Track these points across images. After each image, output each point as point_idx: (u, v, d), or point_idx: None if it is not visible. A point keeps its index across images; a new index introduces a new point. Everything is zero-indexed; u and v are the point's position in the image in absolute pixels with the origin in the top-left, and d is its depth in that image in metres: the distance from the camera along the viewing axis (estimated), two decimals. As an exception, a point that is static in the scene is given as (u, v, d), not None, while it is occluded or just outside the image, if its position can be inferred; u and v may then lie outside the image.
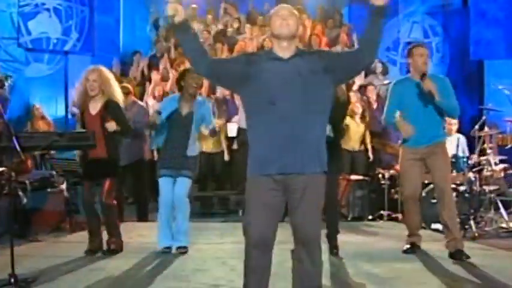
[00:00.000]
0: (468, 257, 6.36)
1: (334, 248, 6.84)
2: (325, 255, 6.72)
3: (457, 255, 6.41)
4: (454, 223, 6.60)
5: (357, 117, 10.71)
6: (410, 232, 7.01)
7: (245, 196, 4.10)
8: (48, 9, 13.12)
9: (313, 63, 3.93)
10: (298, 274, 4.15)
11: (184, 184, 7.06)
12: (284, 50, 3.96)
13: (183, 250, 7.08)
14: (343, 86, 6.97)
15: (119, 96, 7.04)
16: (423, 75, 6.51)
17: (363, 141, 10.91)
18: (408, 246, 6.94)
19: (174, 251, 7.10)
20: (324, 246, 6.95)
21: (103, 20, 14.58)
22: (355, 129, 10.66)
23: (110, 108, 6.83)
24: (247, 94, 4.00)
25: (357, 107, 10.69)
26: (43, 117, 11.84)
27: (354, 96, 11.10)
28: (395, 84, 7.03)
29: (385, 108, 6.94)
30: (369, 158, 11.01)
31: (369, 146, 11.01)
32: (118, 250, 7.05)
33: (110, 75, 7.05)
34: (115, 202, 7.09)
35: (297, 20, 4.01)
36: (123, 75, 13.58)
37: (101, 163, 6.83)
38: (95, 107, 6.87)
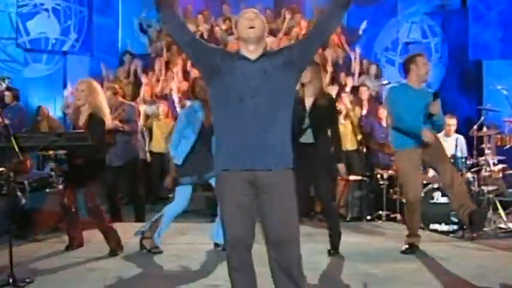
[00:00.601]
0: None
1: (333, 249, 6.87)
2: (323, 256, 6.78)
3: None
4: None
5: (341, 118, 10.75)
6: (410, 232, 7.02)
7: (216, 195, 4.15)
8: (46, 10, 13.15)
9: (276, 60, 4.00)
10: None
11: None
12: (252, 53, 4.03)
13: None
14: (326, 91, 7.05)
15: (105, 110, 7.04)
16: (436, 95, 6.67)
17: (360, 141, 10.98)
18: (407, 246, 6.94)
19: None
20: (320, 246, 7.02)
21: (102, 20, 14.60)
22: (343, 130, 10.73)
23: (92, 121, 6.83)
24: (216, 88, 4.03)
25: (342, 107, 10.81)
26: (49, 117, 11.90)
27: (346, 97, 11.18)
28: (396, 89, 7.09)
29: (395, 113, 6.94)
30: (362, 155, 11.08)
31: (358, 140, 11.13)
32: (116, 251, 7.07)
33: (98, 89, 7.07)
34: (99, 206, 7.09)
35: (263, 23, 4.08)
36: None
37: (81, 168, 6.85)
38: (81, 118, 6.94)
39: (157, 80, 12.90)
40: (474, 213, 6.61)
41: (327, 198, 6.93)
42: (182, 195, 7.11)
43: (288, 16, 15.01)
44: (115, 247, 7.07)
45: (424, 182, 8.33)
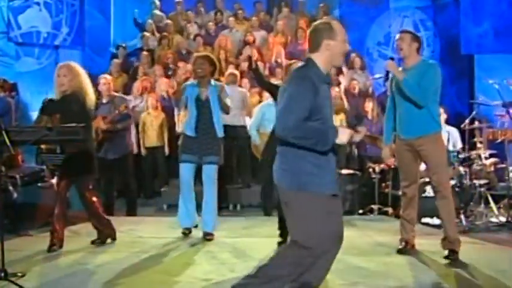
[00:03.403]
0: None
1: None
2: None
3: (448, 256, 6.25)
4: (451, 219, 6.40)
5: None
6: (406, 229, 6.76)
7: (306, 209, 4.06)
8: (38, 3, 13.08)
9: None
10: None
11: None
12: None
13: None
14: None
15: (88, 90, 6.96)
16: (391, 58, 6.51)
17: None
18: (403, 244, 6.70)
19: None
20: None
21: (94, 14, 14.55)
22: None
23: (66, 99, 6.75)
24: None
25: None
26: None
27: (336, 93, 11.25)
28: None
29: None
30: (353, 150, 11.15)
31: None
32: (112, 237, 7.22)
33: (81, 71, 6.98)
34: (94, 197, 7.11)
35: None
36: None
37: (75, 158, 6.80)
38: None
39: (145, 74, 12.86)
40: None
41: None
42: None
43: (274, 9, 15.10)
44: (109, 233, 7.18)
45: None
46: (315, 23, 4.30)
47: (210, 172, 7.54)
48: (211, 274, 5.70)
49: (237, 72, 11.67)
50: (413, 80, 6.20)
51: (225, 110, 7.60)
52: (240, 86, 11.57)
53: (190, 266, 6.11)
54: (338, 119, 11.01)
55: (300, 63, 7.13)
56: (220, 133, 7.57)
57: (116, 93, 9.60)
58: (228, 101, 7.62)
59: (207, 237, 7.48)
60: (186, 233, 7.73)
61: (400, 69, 6.40)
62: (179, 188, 7.71)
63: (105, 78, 9.42)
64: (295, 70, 4.19)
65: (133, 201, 9.88)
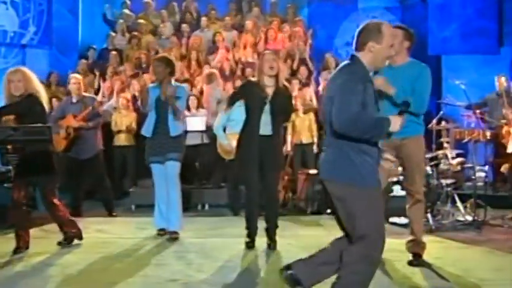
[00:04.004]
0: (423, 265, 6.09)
1: (272, 242, 6.95)
2: (281, 249, 6.81)
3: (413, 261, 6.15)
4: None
5: (300, 112, 10.85)
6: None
7: (367, 202, 4.08)
8: (5, 2, 12.98)
9: None
10: None
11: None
12: None
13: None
14: (282, 84, 7.04)
15: (42, 93, 6.90)
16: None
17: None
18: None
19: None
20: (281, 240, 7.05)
21: (61, 13, 14.43)
22: (300, 123, 10.86)
23: (29, 99, 6.66)
24: None
25: (299, 101, 10.91)
26: None
27: (306, 92, 11.28)
28: None
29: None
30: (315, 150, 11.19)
31: (315, 139, 11.23)
32: (78, 237, 7.18)
33: (33, 75, 6.90)
34: (57, 200, 7.04)
35: None
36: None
37: (33, 159, 6.72)
38: None
39: (114, 75, 12.80)
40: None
41: (275, 189, 7.12)
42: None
43: (245, 9, 15.12)
44: (76, 234, 7.15)
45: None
46: (367, 22, 4.33)
47: (171, 170, 7.52)
48: (179, 274, 5.69)
49: (215, 71, 11.71)
50: (403, 81, 5.99)
51: (175, 114, 7.54)
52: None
53: (157, 266, 6.09)
54: (307, 119, 11.05)
55: (271, 53, 7.22)
56: (174, 132, 7.55)
57: (85, 94, 9.57)
58: (179, 105, 7.56)
59: (172, 235, 7.48)
60: (161, 233, 7.70)
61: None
62: (148, 188, 7.71)
63: (75, 78, 9.48)
64: (344, 66, 4.21)
65: (110, 200, 9.88)
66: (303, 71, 12.86)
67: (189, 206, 10.53)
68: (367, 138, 4.00)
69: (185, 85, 8.67)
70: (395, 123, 4.06)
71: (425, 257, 6.17)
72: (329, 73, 12.97)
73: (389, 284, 5.41)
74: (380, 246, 4.12)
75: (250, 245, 6.94)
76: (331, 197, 4.21)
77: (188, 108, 11.21)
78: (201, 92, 12.28)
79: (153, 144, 7.56)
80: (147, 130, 7.63)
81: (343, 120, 3.93)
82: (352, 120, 3.90)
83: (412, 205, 6.23)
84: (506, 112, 9.95)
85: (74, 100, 9.29)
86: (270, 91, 6.80)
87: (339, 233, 6.32)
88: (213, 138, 10.78)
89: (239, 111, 7.24)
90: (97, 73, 13.01)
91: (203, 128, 11.01)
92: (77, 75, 9.85)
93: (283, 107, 6.87)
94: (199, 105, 11.44)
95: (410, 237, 6.26)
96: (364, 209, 4.04)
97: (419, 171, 6.29)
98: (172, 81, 7.64)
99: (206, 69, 12.57)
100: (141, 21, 15.05)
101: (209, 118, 10.99)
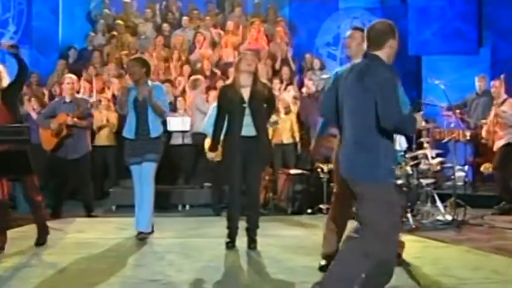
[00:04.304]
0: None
1: (253, 243, 6.96)
2: (262, 248, 6.81)
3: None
4: None
5: (282, 113, 10.87)
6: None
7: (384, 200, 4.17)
8: (-16, 2, 12.87)
9: None
10: None
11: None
12: None
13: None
14: (264, 83, 7.13)
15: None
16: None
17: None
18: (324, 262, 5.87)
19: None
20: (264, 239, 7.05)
21: (41, 13, 14.33)
22: (282, 123, 10.86)
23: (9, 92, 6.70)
24: None
25: (282, 102, 10.91)
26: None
27: (287, 92, 11.29)
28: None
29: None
30: (304, 149, 11.19)
31: (297, 139, 11.29)
32: (44, 243, 7.09)
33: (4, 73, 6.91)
34: (41, 198, 7.05)
35: None
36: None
37: (12, 158, 6.67)
38: None
39: (96, 75, 12.74)
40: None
41: (257, 190, 7.16)
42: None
43: (228, 9, 15.14)
44: (44, 239, 7.09)
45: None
46: (377, 22, 4.53)
47: (147, 170, 7.44)
48: (159, 275, 5.67)
49: (200, 77, 11.68)
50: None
51: (158, 112, 7.48)
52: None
53: (137, 267, 6.07)
54: (288, 119, 11.06)
55: (250, 53, 7.25)
56: (154, 133, 7.51)
57: (77, 95, 9.61)
58: (161, 103, 7.49)
59: (140, 236, 7.39)
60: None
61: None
62: (129, 188, 7.68)
63: (70, 78, 9.55)
64: (371, 66, 4.31)
65: (91, 201, 9.84)
66: (285, 71, 12.89)
67: (169, 206, 10.53)
68: (406, 133, 4.19)
69: (161, 84, 8.45)
70: (420, 120, 4.31)
71: (405, 256, 6.19)
72: (313, 73, 13.02)
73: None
74: (392, 248, 4.27)
75: (230, 245, 6.94)
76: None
77: (175, 109, 11.25)
78: (184, 91, 12.28)
79: (133, 145, 7.49)
80: (129, 132, 7.54)
81: (390, 117, 4.05)
82: (403, 117, 4.09)
83: None
84: (496, 111, 9.82)
85: (67, 100, 9.32)
86: (247, 91, 6.83)
87: (321, 233, 6.35)
88: (196, 139, 10.79)
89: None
90: (85, 73, 12.98)
91: (185, 128, 10.98)
92: (71, 75, 9.90)
93: (262, 104, 6.96)
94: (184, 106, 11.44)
95: None
96: (387, 206, 4.14)
97: None
98: (149, 82, 7.58)
99: (187, 69, 12.59)
100: (120, 21, 14.93)
101: (193, 123, 10.93)
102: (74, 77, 9.79)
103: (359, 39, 6.00)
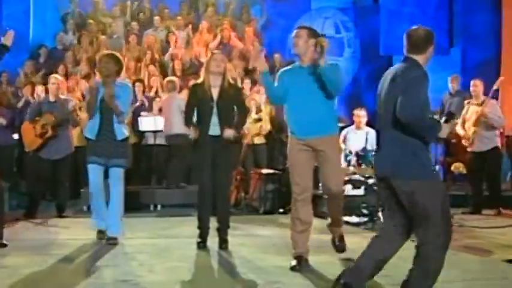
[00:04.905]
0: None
1: (224, 242, 6.97)
2: (233, 248, 6.80)
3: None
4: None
5: (253, 113, 10.84)
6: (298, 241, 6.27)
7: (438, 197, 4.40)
8: (-46, 2, 12.73)
9: None
10: None
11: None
12: None
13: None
14: (233, 84, 7.25)
15: None
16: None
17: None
18: (295, 262, 6.03)
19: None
20: (235, 239, 7.04)
21: (11, 10, 14.21)
22: (254, 124, 10.87)
23: None
24: None
25: (252, 102, 10.91)
26: None
27: (258, 93, 11.29)
28: None
29: None
30: (276, 149, 11.22)
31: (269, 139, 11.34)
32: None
33: None
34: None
35: None
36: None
37: None
38: None
39: (66, 74, 12.65)
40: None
41: (227, 189, 7.23)
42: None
43: (201, 8, 15.11)
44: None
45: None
46: (420, 28, 4.71)
47: (116, 175, 7.28)
48: (130, 275, 5.63)
49: (175, 79, 11.62)
50: (311, 78, 5.95)
51: (116, 114, 7.18)
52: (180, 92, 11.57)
53: (108, 267, 6.02)
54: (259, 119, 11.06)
55: (219, 53, 7.29)
56: (119, 136, 7.28)
57: (62, 96, 9.53)
58: (119, 102, 7.15)
59: (110, 241, 7.20)
60: (102, 231, 7.45)
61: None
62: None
63: (55, 78, 9.54)
64: (407, 67, 4.47)
65: (65, 202, 9.80)
66: (257, 71, 12.85)
67: (141, 206, 10.48)
68: (426, 138, 4.37)
69: (129, 84, 8.21)
70: (444, 129, 4.38)
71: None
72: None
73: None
74: (451, 234, 4.50)
75: (201, 245, 6.93)
76: (388, 193, 4.58)
77: (149, 109, 11.23)
78: (156, 92, 12.26)
79: (96, 147, 7.23)
80: (90, 131, 7.27)
81: (411, 111, 4.20)
82: (421, 116, 4.22)
83: (334, 200, 6.34)
84: (483, 112, 9.78)
85: (52, 99, 9.32)
86: (215, 91, 6.87)
87: (288, 233, 6.33)
88: (172, 140, 10.76)
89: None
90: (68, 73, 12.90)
91: (157, 128, 10.93)
92: (57, 75, 9.96)
93: (230, 104, 7.02)
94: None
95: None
96: (435, 201, 4.32)
97: (340, 169, 6.65)
98: (117, 81, 7.34)
99: (155, 69, 12.65)
100: (90, 21, 14.82)
101: (168, 126, 10.84)
102: (59, 77, 9.84)
103: (305, 36, 6.03)
